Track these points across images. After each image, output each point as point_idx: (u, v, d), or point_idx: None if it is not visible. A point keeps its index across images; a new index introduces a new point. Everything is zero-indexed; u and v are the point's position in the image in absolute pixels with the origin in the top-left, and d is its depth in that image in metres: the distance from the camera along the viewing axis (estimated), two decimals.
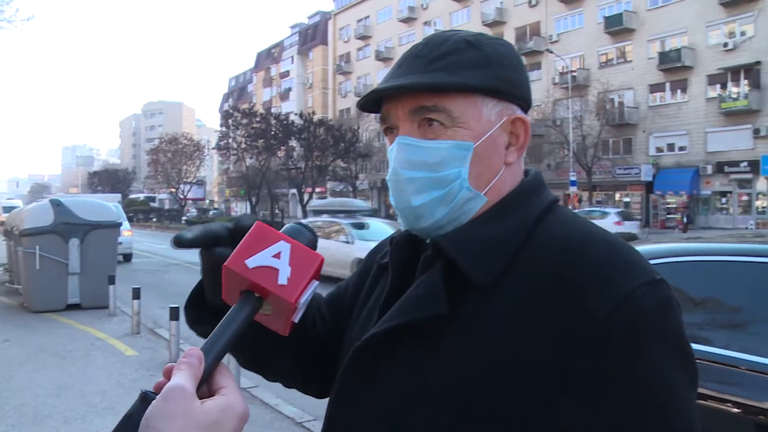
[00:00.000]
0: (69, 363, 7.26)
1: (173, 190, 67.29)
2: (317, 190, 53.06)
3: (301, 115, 46.70)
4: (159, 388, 0.69)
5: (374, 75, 63.28)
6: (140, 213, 61.25)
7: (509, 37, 49.53)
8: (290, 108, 68.96)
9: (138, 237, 28.21)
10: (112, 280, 10.62)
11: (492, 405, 0.78)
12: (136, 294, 8.97)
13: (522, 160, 0.95)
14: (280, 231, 0.81)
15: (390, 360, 0.86)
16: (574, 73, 42.20)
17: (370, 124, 55.12)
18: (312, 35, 76.52)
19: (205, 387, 0.71)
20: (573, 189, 38.77)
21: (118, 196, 42.28)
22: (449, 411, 0.79)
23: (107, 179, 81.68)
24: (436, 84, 0.86)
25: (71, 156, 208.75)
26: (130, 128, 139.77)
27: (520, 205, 0.89)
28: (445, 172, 0.87)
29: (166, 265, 21.01)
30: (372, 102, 0.95)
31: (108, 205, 12.81)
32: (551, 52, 41.40)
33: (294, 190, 50.63)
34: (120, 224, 12.04)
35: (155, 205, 68.83)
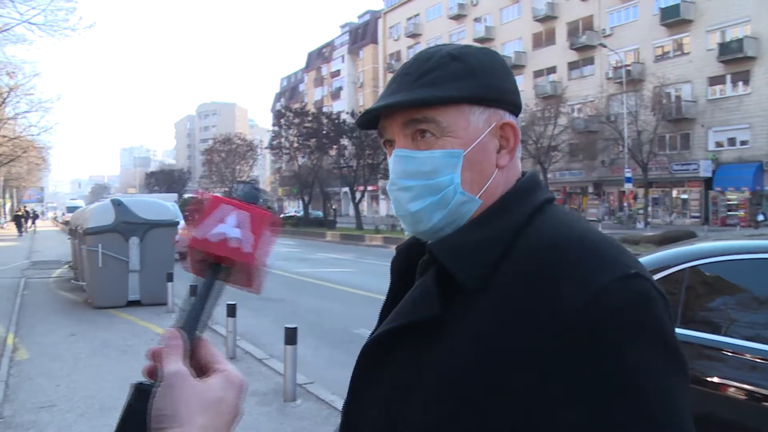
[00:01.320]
0: (130, 357, 7.51)
1: (227, 189, 68.53)
2: (369, 188, 53.26)
3: (352, 114, 46.93)
4: (150, 372, 0.73)
5: None
6: None
7: (561, 32, 48.88)
8: (341, 107, 69.40)
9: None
10: (170, 278, 10.91)
11: (478, 401, 0.81)
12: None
13: (517, 162, 1.00)
14: (233, 198, 0.82)
15: (392, 359, 0.91)
16: (628, 68, 41.27)
17: None
18: (362, 34, 76.89)
19: (194, 360, 0.75)
20: (628, 186, 37.96)
21: (175, 195, 43.29)
22: (439, 407, 0.83)
23: (163, 179, 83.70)
24: (421, 99, 0.92)
25: (129, 157, 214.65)
26: (185, 129, 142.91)
27: (510, 208, 0.93)
28: (438, 179, 0.93)
29: None
30: (371, 120, 1.01)
31: (166, 205, 13.18)
32: (605, 47, 40.62)
33: (346, 189, 50.92)
34: (178, 223, 12.33)
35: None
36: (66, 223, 21.64)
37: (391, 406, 0.89)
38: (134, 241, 11.45)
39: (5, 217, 58.90)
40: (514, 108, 0.99)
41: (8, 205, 68.77)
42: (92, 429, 5.18)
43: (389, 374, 0.91)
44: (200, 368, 0.75)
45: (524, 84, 51.04)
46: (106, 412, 5.49)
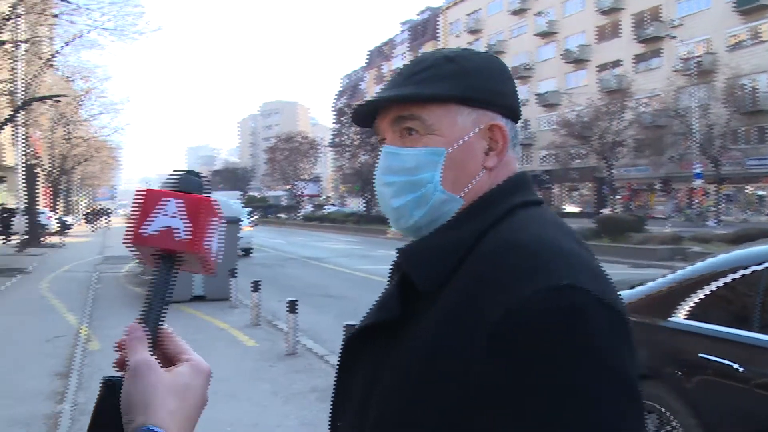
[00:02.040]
0: (195, 351, 7.66)
1: (290, 187, 69.54)
2: None
3: None
4: (119, 364, 0.75)
5: None
6: (258, 209, 63.75)
7: (626, 24, 47.57)
8: None
9: (256, 232, 29.32)
10: (233, 274, 11.10)
11: (420, 401, 0.81)
12: (256, 287, 9.33)
13: (509, 164, 0.98)
14: (167, 187, 0.81)
15: (366, 356, 0.94)
16: (698, 59, 39.79)
17: None
18: (422, 31, 76.69)
19: (160, 354, 0.76)
20: (698, 182, 36.67)
21: (238, 193, 44.18)
22: (391, 404, 0.86)
23: (228, 177, 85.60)
24: (404, 95, 0.94)
25: (195, 156, 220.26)
26: (248, 128, 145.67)
27: (482, 211, 0.92)
28: (419, 176, 0.94)
29: (283, 259, 21.75)
30: (368, 118, 1.02)
31: (229, 202, 13.42)
32: (673, 38, 39.30)
33: None
34: (240, 220, 12.55)
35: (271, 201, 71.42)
36: None
37: (361, 401, 0.91)
38: None
39: (81, 215, 61.35)
40: (510, 112, 0.99)
41: (84, 203, 71.61)
42: None
43: (363, 371, 0.93)
44: (167, 359, 0.77)
45: (587, 78, 49.97)
46: None
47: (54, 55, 23.04)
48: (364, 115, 1.02)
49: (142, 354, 0.73)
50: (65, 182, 44.62)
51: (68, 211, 50.61)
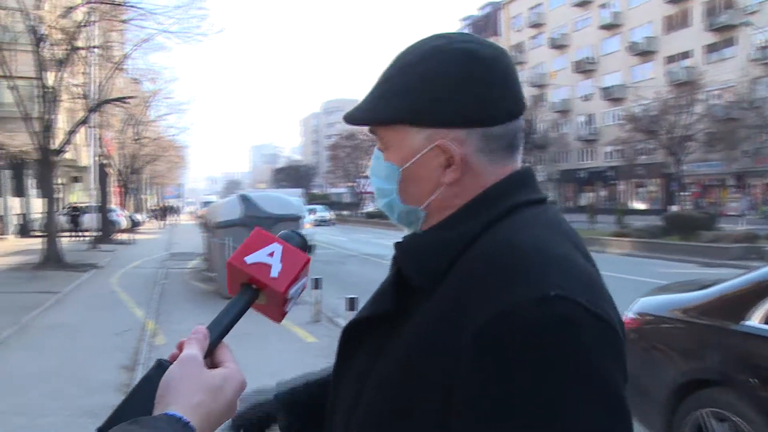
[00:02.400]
0: (253, 346, 7.77)
1: (352, 184, 69.99)
2: None
3: None
4: (173, 358, 0.82)
5: (549, 64, 61.39)
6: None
7: (697, 13, 45.86)
8: None
9: (318, 229, 29.60)
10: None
11: (409, 395, 0.83)
12: (317, 284, 9.39)
13: (485, 171, 0.93)
14: (276, 235, 0.95)
15: (360, 345, 0.97)
16: None
17: (546, 115, 53.64)
18: (483, 26, 75.86)
19: (210, 360, 0.85)
20: None
21: (300, 190, 44.71)
22: (380, 397, 0.88)
23: (291, 175, 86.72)
24: (354, 117, 0.96)
25: (259, 154, 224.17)
26: (311, 126, 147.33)
27: (476, 212, 0.91)
28: (386, 186, 0.97)
29: (344, 256, 21.89)
30: None
31: (290, 199, 13.55)
32: (749, 25, 37.56)
33: None
34: (301, 217, 12.66)
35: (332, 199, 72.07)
36: (201, 217, 22.90)
37: (357, 390, 0.93)
38: None
39: (149, 212, 63.43)
40: (476, 121, 0.91)
41: (152, 201, 73.94)
42: None
43: (358, 361, 0.96)
44: (214, 366, 0.85)
45: (654, 71, 48.39)
46: None
47: (123, 58, 23.79)
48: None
49: (192, 350, 0.82)
50: (135, 181, 46.11)
51: (138, 209, 52.34)
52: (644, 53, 50.39)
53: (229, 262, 0.93)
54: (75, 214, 27.93)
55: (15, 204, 29.96)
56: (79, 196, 39.38)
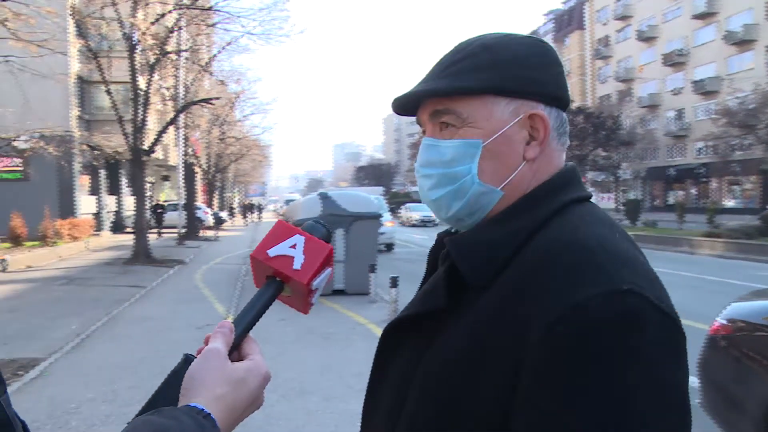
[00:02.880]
0: (331, 344, 7.85)
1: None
2: None
3: None
4: (200, 353, 0.84)
5: (636, 57, 59.22)
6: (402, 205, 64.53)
7: None
8: None
9: (400, 228, 29.64)
10: (372, 269, 11.24)
11: (459, 393, 0.83)
12: (394, 282, 9.38)
13: (554, 155, 0.96)
14: (301, 227, 0.95)
15: (404, 344, 0.97)
16: None
17: (632, 110, 51.75)
18: (567, 21, 74.04)
19: (236, 353, 0.87)
20: None
21: (381, 189, 44.92)
22: (430, 394, 0.88)
23: (372, 173, 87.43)
24: (437, 90, 0.94)
25: (341, 152, 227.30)
26: (393, 124, 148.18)
27: (532, 207, 0.91)
28: (456, 168, 0.94)
29: (425, 255, 21.73)
30: (410, 108, 1.02)
31: (370, 198, 13.59)
32: None
33: None
34: (380, 216, 12.67)
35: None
36: (283, 215, 23.38)
37: (400, 389, 0.94)
38: (340, 232, 11.95)
39: (227, 210, 65.41)
40: (553, 100, 0.95)
41: (237, 199, 76.15)
42: (291, 410, 5.44)
43: (402, 359, 0.96)
44: (240, 359, 0.86)
45: (754, 61, 45.76)
46: (305, 396, 5.74)
47: (209, 61, 24.56)
48: (406, 106, 1.02)
49: (216, 343, 0.83)
50: (220, 179, 47.55)
51: (223, 206, 53.98)
52: (742, 42, 47.67)
53: (252, 256, 0.94)
54: (159, 211, 29.03)
55: (110, 202, 31.49)
56: (168, 194, 40.97)
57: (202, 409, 0.77)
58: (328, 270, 0.96)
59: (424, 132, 1.01)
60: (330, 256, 0.94)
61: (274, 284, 0.94)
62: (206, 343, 0.86)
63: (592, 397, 0.72)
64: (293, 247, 0.93)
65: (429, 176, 0.98)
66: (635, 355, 0.73)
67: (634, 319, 0.74)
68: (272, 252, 0.92)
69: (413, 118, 1.03)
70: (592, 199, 0.97)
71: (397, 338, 1.00)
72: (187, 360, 0.84)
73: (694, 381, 5.53)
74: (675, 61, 52.97)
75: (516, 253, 0.87)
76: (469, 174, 0.93)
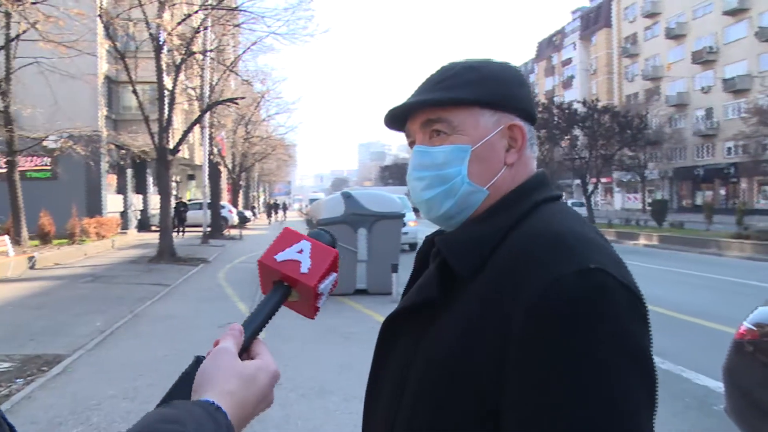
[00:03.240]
0: (352, 343, 7.82)
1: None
2: (602, 180, 50.74)
3: (584, 103, 44.98)
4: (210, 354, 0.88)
5: (664, 55, 58.41)
6: None
7: None
8: (573, 96, 66.90)
9: (423, 227, 29.50)
10: (395, 268, 11.20)
11: (456, 371, 0.94)
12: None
13: (528, 161, 1.10)
14: (307, 234, 1.01)
15: (403, 334, 1.08)
16: None
17: (660, 110, 51.00)
18: (594, 18, 73.27)
19: (246, 355, 0.90)
20: None
21: (405, 188, 44.76)
22: (429, 376, 0.98)
23: (397, 173, 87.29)
24: (434, 100, 1.06)
25: (366, 152, 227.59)
26: None
27: (509, 206, 1.04)
28: (447, 170, 1.06)
29: None
30: (399, 122, 1.15)
31: (392, 197, 13.54)
32: None
33: (578, 181, 49.01)
34: (403, 215, 12.61)
35: None
36: (307, 214, 23.46)
37: (400, 375, 1.04)
38: (362, 232, 11.94)
39: (259, 209, 65.74)
40: (526, 115, 1.10)
41: (262, 198, 76.62)
42: (310, 410, 5.43)
43: (401, 348, 1.07)
44: (249, 359, 0.89)
45: None
46: (325, 395, 5.73)
47: (234, 61, 24.71)
48: (396, 120, 1.14)
49: (227, 343, 0.87)
50: (245, 179, 47.86)
51: (247, 205, 54.32)
52: None
53: (260, 261, 0.97)
54: (182, 210, 29.26)
55: (136, 201, 31.87)
56: (194, 193, 41.30)
57: (213, 403, 0.79)
58: (334, 275, 1.00)
59: (411, 142, 1.13)
60: (336, 260, 0.99)
61: (281, 289, 0.97)
62: (216, 345, 0.89)
63: (572, 355, 0.83)
64: (300, 252, 0.97)
65: (422, 178, 1.08)
66: (604, 320, 0.84)
67: (602, 292, 0.86)
68: (280, 257, 0.96)
69: None
70: (562, 199, 1.10)
71: (395, 329, 1.10)
72: (198, 361, 0.87)
73: (719, 386, 5.42)
74: (704, 58, 52.14)
75: (497, 247, 0.99)
76: (459, 175, 1.05)
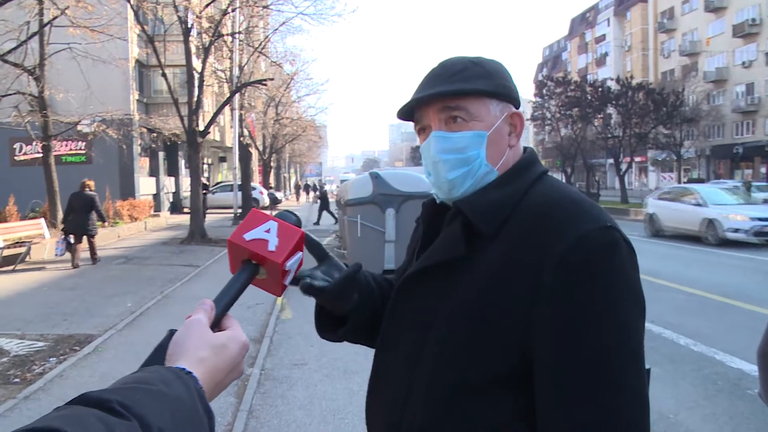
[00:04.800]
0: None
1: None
2: (636, 159, 49.84)
3: (618, 80, 44.09)
4: None
5: (703, 29, 56.81)
6: None
7: None
8: (607, 74, 65.70)
9: None
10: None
11: (487, 317, 1.09)
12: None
13: (521, 142, 1.28)
14: (273, 215, 1.06)
15: (423, 290, 1.20)
16: None
17: (697, 86, 49.73)
18: None
19: (217, 329, 0.94)
20: None
21: None
22: (458, 324, 1.12)
23: None
24: (460, 90, 1.19)
25: (397, 132, 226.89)
26: None
27: (517, 177, 1.21)
28: (469, 153, 1.20)
29: None
30: (407, 111, 1.27)
31: (421, 177, 13.36)
32: None
33: (611, 160, 48.23)
34: (430, 195, 12.49)
35: None
36: (338, 194, 23.53)
37: (423, 327, 1.17)
38: (390, 212, 11.84)
39: (291, 190, 66.13)
40: (517, 103, 1.27)
41: (293, 179, 77.03)
42: (335, 390, 5.43)
43: (422, 302, 1.19)
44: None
45: None
46: (349, 376, 5.72)
47: (263, 42, 24.70)
48: (410, 110, 1.27)
49: (198, 315, 0.92)
50: (275, 160, 48.06)
51: (279, 187, 54.62)
52: None
53: (229, 241, 1.03)
54: (203, 192, 29.43)
55: (168, 183, 32.24)
56: (225, 175, 41.63)
57: (184, 369, 0.82)
58: (300, 254, 1.07)
59: (420, 130, 1.27)
60: (301, 240, 1.06)
61: (249, 267, 1.02)
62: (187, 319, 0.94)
63: (595, 291, 1.04)
64: (267, 231, 1.03)
65: (446, 161, 1.20)
66: (618, 268, 1.06)
67: (616, 245, 1.07)
68: (248, 236, 1.02)
69: None
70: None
71: (414, 287, 1.21)
72: (172, 333, 0.90)
73: (753, 369, 5.27)
74: (746, 32, 50.51)
75: (513, 209, 1.15)
76: (479, 158, 1.20)
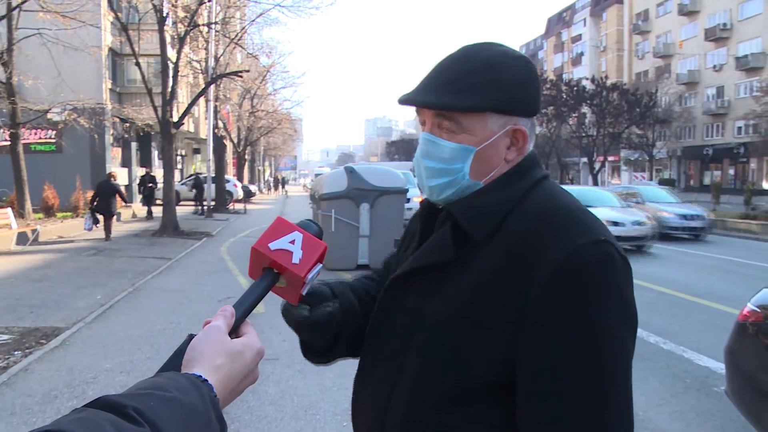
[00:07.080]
0: None
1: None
2: (610, 158, 50.33)
3: (593, 80, 44.51)
4: None
5: (676, 32, 57.54)
6: None
7: None
8: (582, 73, 66.33)
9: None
10: (397, 244, 11.08)
11: (473, 323, 1.06)
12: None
13: (528, 148, 1.20)
14: (296, 224, 1.08)
15: (410, 292, 1.17)
16: None
17: (670, 88, 50.40)
18: None
19: (234, 335, 0.96)
20: None
21: (411, 164, 44.61)
22: (445, 328, 1.09)
23: (403, 148, 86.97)
24: (444, 105, 1.12)
25: (373, 127, 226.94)
26: None
27: (515, 180, 1.16)
28: (452, 165, 1.15)
29: None
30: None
31: (396, 173, 13.38)
32: None
33: (585, 159, 48.69)
34: (406, 191, 12.49)
35: None
36: (312, 189, 23.39)
37: (409, 328, 1.14)
38: (365, 207, 11.82)
39: (265, 184, 65.68)
40: (532, 112, 1.18)
41: (267, 172, 76.50)
42: (306, 386, 5.40)
43: (408, 305, 1.16)
44: (238, 338, 0.96)
45: None
46: (321, 372, 5.68)
47: (240, 34, 24.44)
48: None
49: (217, 321, 0.94)
50: (250, 153, 47.69)
51: (253, 179, 54.22)
52: None
53: (254, 248, 1.04)
54: (149, 185, 28.85)
55: (141, 174, 31.80)
56: (199, 167, 41.21)
57: (200, 376, 0.84)
58: (320, 265, 1.08)
59: (423, 121, 1.20)
60: (324, 253, 1.07)
61: (270, 275, 1.04)
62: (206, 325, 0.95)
63: (585, 305, 1.00)
64: (292, 242, 1.04)
65: (429, 168, 1.17)
66: (609, 282, 1.02)
67: (610, 259, 1.04)
68: (273, 246, 1.03)
69: None
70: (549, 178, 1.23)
71: (402, 288, 1.19)
72: (191, 338, 0.92)
73: (720, 367, 5.36)
74: (717, 36, 51.34)
75: (507, 215, 1.11)
76: (461, 172, 1.15)
